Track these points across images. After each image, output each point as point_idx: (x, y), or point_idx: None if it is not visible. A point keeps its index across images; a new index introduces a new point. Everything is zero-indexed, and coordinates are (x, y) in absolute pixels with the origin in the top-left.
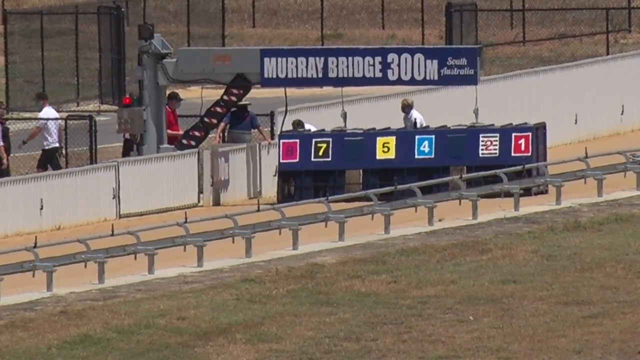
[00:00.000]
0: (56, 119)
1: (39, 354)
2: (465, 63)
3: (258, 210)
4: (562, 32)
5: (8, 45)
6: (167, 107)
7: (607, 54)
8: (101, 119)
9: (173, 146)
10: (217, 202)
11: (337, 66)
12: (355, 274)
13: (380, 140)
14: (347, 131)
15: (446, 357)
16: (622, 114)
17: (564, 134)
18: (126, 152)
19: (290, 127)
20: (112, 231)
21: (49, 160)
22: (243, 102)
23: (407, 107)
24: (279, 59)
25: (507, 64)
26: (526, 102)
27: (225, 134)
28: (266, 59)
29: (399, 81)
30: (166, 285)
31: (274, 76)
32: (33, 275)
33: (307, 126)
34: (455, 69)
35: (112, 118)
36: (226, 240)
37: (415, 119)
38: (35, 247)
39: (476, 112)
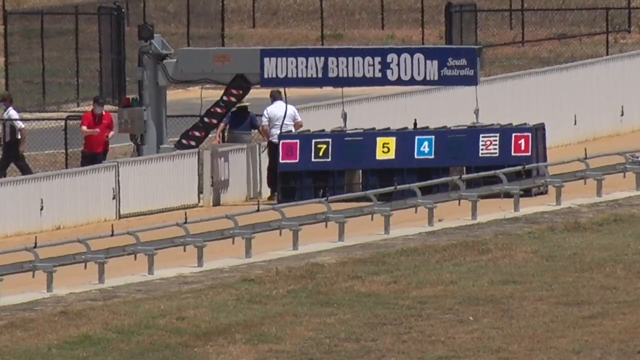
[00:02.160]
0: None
1: (38, 355)
2: (465, 63)
3: (258, 211)
4: (561, 32)
5: (8, 45)
6: (90, 112)
7: (607, 54)
8: None
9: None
10: (217, 203)
11: (337, 66)
12: (355, 274)
13: (380, 141)
14: (347, 131)
15: (446, 357)
16: (621, 114)
17: (564, 135)
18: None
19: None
20: (112, 231)
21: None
22: (243, 102)
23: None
24: (279, 59)
25: (507, 65)
26: (526, 103)
27: (225, 134)
28: (266, 59)
29: (399, 81)
30: (166, 286)
31: (274, 76)
32: (33, 276)
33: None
34: (455, 69)
35: (113, 118)
36: (226, 240)
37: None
38: (35, 247)
39: (476, 112)
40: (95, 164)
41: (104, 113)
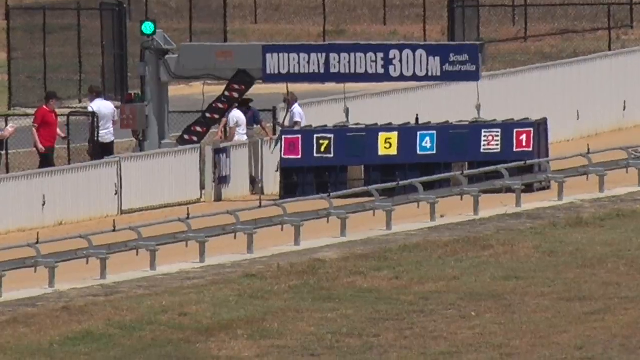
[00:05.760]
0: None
1: (41, 350)
2: (467, 59)
3: (260, 206)
4: (564, 28)
5: (11, 41)
6: (45, 107)
7: (609, 49)
8: None
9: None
10: (219, 198)
11: (339, 62)
12: (357, 269)
13: (382, 136)
14: (349, 127)
15: (448, 352)
16: (624, 109)
17: (566, 130)
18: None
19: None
20: (114, 227)
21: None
22: (245, 97)
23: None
24: (281, 54)
25: (509, 60)
26: (528, 98)
27: (227, 129)
28: (268, 55)
29: (401, 77)
30: (168, 281)
31: (276, 72)
32: (35, 271)
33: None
34: (457, 65)
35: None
36: (228, 236)
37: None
38: (37, 243)
39: (478, 108)
40: (51, 160)
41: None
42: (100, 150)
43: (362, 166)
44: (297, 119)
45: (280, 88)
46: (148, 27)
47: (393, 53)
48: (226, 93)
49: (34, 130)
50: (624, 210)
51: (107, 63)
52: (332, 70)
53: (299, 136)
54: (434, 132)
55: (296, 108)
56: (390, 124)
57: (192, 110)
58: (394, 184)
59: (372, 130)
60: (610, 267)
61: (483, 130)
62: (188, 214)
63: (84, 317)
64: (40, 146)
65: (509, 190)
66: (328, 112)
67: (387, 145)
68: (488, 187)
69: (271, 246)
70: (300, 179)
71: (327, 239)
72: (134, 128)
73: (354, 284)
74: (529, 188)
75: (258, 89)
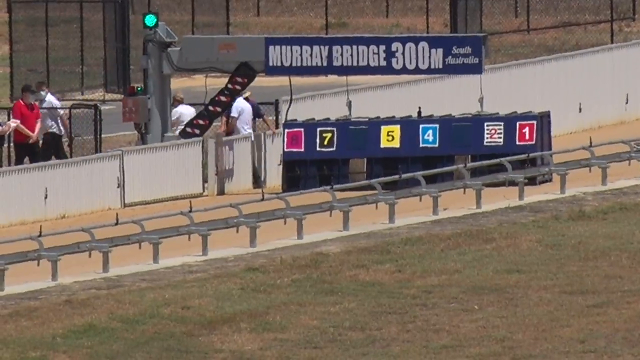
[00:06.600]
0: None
1: (43, 343)
2: (470, 52)
3: (262, 200)
4: (566, 20)
5: (13, 33)
6: (20, 100)
7: (612, 42)
8: (106, 108)
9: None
10: (221, 192)
11: (341, 55)
12: (360, 263)
13: (384, 129)
14: (352, 120)
15: (450, 346)
16: (626, 102)
17: (569, 123)
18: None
19: (294, 117)
20: (117, 220)
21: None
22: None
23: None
24: (284, 47)
25: (512, 53)
26: (531, 91)
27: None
28: (271, 48)
29: (404, 70)
30: (171, 275)
31: (279, 65)
32: (38, 265)
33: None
34: (460, 57)
35: (117, 107)
36: (230, 229)
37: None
38: (39, 236)
39: (481, 100)
40: (30, 154)
41: (33, 102)
42: (56, 142)
43: (365, 159)
44: (233, 113)
45: (283, 81)
46: (150, 20)
47: (395, 45)
48: (229, 86)
49: (19, 124)
50: (627, 203)
51: (109, 56)
52: (335, 62)
53: (302, 129)
54: (437, 125)
55: (235, 102)
56: (392, 116)
57: (194, 102)
58: (397, 177)
59: (375, 123)
60: (612, 260)
61: (486, 123)
62: (190, 207)
63: (86, 311)
64: (33, 135)
65: (511, 183)
66: (330, 105)
67: (390, 138)
68: (491, 180)
69: (274, 239)
70: (302, 172)
71: (329, 232)
72: (136, 121)
73: (356, 278)
74: (531, 181)
75: (260, 82)
